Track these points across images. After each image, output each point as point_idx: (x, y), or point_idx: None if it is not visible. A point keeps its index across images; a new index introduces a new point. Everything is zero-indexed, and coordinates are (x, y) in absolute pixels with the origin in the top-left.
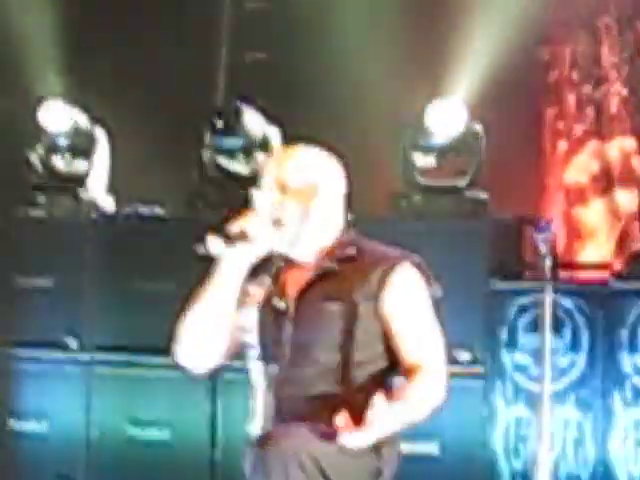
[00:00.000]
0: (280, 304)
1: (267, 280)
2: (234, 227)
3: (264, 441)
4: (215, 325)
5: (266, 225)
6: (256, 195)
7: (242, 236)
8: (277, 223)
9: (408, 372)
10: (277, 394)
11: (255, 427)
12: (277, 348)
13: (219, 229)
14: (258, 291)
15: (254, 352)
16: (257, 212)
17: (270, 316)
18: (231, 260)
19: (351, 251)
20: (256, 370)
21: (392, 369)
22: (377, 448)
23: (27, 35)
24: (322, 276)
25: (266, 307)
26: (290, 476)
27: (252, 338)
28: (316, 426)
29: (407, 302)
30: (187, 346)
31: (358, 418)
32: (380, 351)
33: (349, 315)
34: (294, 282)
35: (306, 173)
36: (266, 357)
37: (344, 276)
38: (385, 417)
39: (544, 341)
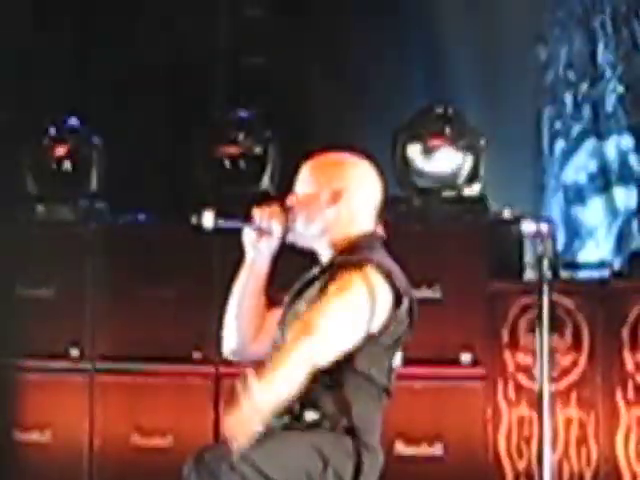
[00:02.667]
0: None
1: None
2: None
3: (192, 457)
4: (241, 317)
5: (277, 220)
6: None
7: (260, 229)
8: (289, 223)
9: None
10: None
11: None
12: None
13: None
14: None
15: None
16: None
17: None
18: (248, 252)
19: (337, 258)
20: None
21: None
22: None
23: (28, 46)
24: (307, 283)
25: None
26: None
27: None
28: None
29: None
30: (226, 339)
31: None
32: None
33: None
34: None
35: (324, 179)
36: None
37: (319, 282)
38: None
39: (543, 340)
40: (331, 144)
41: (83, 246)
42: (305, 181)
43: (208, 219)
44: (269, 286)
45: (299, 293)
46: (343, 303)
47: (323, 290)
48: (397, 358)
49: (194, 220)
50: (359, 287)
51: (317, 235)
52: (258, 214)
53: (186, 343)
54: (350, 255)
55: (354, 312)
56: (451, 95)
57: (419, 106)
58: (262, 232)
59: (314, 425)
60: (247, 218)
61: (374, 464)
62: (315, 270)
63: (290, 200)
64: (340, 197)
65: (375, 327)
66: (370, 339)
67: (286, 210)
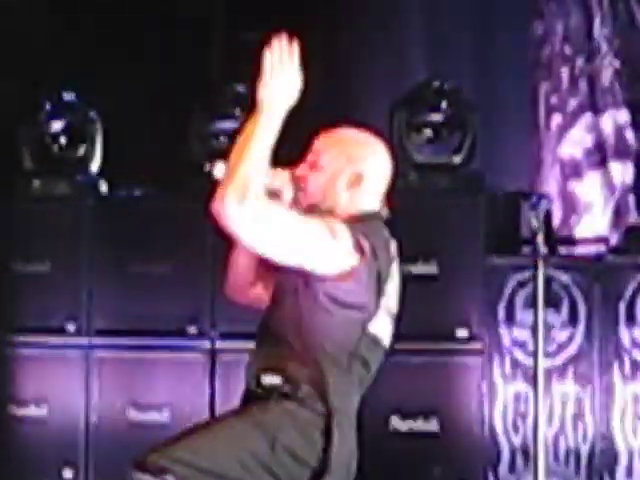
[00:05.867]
0: None
1: None
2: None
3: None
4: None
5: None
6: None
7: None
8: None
9: None
10: None
11: None
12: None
13: None
14: None
15: None
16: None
17: None
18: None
19: None
20: None
21: None
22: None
23: (25, 22)
24: None
25: None
26: None
27: None
28: None
29: None
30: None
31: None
32: None
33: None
34: None
35: (344, 158)
36: None
37: None
38: None
39: (539, 316)
40: (330, 116)
41: (80, 221)
42: (324, 153)
43: (219, 170)
44: None
45: None
46: None
47: None
48: None
49: (207, 167)
50: None
51: (323, 212)
52: (271, 174)
53: (182, 318)
54: None
55: None
56: (447, 69)
57: (417, 79)
58: (272, 193)
59: (273, 391)
60: None
61: (346, 428)
62: None
63: (303, 170)
64: (359, 183)
65: None
66: None
67: (297, 179)
